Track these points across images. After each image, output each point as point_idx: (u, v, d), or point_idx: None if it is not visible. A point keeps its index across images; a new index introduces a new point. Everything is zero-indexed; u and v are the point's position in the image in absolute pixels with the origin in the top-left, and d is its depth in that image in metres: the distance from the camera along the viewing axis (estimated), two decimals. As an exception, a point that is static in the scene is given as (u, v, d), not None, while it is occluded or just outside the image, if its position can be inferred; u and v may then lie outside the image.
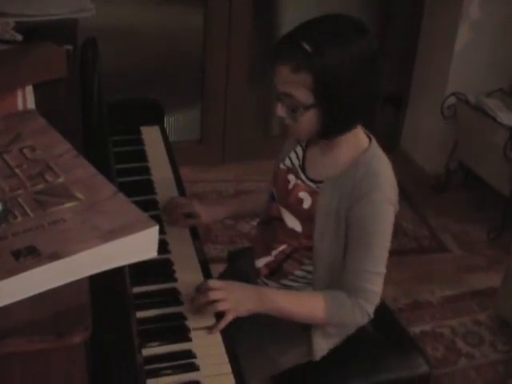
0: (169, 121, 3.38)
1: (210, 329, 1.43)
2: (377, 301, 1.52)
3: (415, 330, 2.51)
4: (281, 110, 1.44)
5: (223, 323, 1.42)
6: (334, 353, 1.67)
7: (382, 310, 1.84)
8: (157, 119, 2.22)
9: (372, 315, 1.53)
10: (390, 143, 3.63)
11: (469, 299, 2.73)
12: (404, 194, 3.36)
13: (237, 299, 1.44)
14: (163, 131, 2.18)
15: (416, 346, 1.77)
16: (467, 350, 2.47)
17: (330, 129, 1.45)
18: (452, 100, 3.25)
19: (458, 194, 3.42)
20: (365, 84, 1.41)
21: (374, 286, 1.49)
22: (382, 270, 1.49)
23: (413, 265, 2.89)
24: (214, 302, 1.42)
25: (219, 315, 1.45)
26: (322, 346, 1.61)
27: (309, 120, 1.42)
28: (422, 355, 1.73)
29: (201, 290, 1.45)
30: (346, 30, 1.40)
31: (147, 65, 3.28)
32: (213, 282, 1.47)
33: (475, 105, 3.15)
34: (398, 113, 3.69)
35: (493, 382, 2.36)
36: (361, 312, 1.50)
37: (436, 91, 3.36)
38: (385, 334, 1.76)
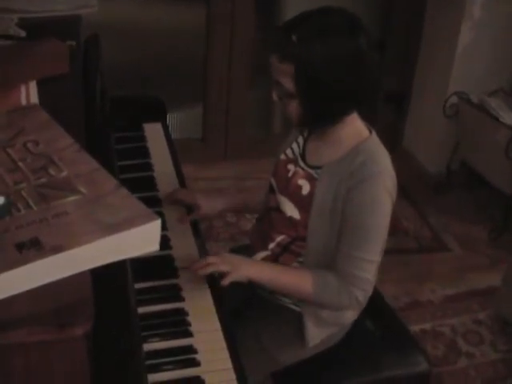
0: (171, 118, 3.38)
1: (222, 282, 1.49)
2: (369, 288, 1.52)
3: (415, 328, 2.51)
4: (274, 95, 1.51)
5: (228, 279, 1.48)
6: (334, 350, 1.68)
7: (383, 308, 1.85)
8: (159, 116, 2.22)
9: (363, 302, 1.54)
10: (392, 142, 3.64)
11: (469, 298, 2.73)
12: (405, 193, 3.36)
13: (234, 264, 1.50)
14: (165, 128, 2.19)
15: (416, 345, 1.77)
16: (467, 348, 2.47)
17: (311, 119, 1.50)
18: (454, 99, 3.25)
19: (459, 193, 3.42)
20: (347, 83, 1.42)
21: (367, 273, 1.50)
22: (376, 258, 1.50)
23: (414, 264, 2.88)
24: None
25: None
26: (314, 332, 1.61)
27: (293, 108, 1.47)
28: (422, 353, 1.73)
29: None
30: (337, 28, 1.41)
31: (150, 62, 3.28)
32: (209, 256, 1.54)
33: (477, 104, 3.15)
34: (400, 112, 3.69)
35: (493, 381, 2.36)
36: (348, 297, 1.51)
37: (438, 90, 3.36)
38: (385, 332, 1.76)
